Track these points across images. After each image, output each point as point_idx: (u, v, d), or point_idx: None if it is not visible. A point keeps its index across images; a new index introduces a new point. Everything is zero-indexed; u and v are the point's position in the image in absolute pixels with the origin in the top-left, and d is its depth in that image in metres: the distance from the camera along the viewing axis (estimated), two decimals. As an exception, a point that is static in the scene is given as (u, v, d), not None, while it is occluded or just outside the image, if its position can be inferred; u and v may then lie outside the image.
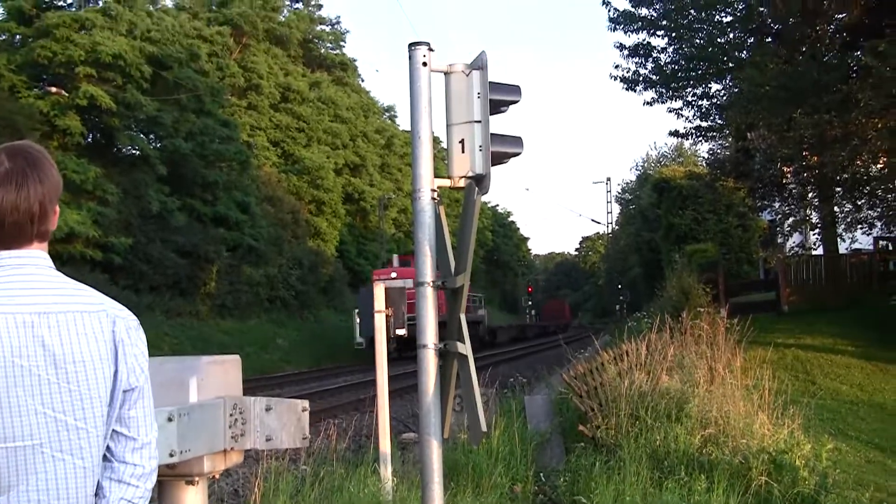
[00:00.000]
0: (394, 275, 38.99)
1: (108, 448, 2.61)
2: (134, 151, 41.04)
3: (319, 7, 67.75)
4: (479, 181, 6.21)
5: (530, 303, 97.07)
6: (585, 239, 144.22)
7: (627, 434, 10.23)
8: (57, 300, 2.53)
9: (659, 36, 27.84)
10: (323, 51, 68.44)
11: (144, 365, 2.69)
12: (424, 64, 6.28)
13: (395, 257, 44.70)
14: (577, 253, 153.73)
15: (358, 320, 37.69)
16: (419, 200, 6.15)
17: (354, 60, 72.71)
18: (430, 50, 6.34)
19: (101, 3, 41.62)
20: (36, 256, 2.60)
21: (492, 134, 6.31)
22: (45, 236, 2.64)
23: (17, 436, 2.41)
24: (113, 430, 2.62)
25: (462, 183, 6.21)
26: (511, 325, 68.16)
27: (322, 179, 56.87)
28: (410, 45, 6.33)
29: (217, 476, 4.41)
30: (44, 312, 2.49)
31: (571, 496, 9.04)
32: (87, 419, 2.51)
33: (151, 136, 42.52)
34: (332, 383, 26.30)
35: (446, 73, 6.38)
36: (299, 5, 66.41)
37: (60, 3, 41.61)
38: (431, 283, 6.10)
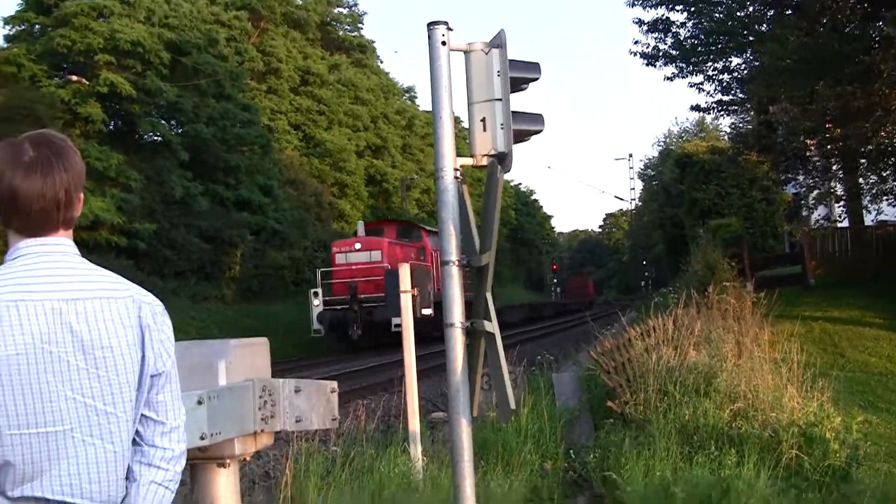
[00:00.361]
0: (357, 246, 34.24)
1: (137, 432, 2.65)
2: (155, 138, 41.34)
3: (335, -11, 67.55)
4: (502, 159, 6.20)
5: (556, 280, 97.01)
6: (609, 216, 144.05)
7: (656, 409, 10.22)
8: (84, 287, 2.57)
9: (678, 10, 27.60)
10: (341, 33, 68.31)
11: (171, 350, 2.73)
12: (444, 43, 6.26)
13: (361, 225, 37.13)
14: (600, 230, 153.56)
15: (316, 303, 33.08)
16: (442, 180, 6.15)
17: (373, 42, 72.56)
18: (449, 29, 6.32)
19: (118, -10, 41.77)
20: (62, 244, 2.63)
21: (513, 112, 6.30)
22: (70, 224, 2.66)
23: (49, 421, 2.44)
24: (142, 415, 2.66)
25: (485, 161, 6.20)
26: (523, 304, 61.99)
27: (344, 162, 56.90)
28: (429, 24, 6.32)
29: (248, 458, 4.45)
30: (71, 299, 2.52)
31: (601, 472, 9.05)
32: (115, 404, 2.55)
33: (172, 122, 42.72)
34: (360, 364, 26.34)
35: (466, 52, 6.36)
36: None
37: (78, -9, 41.85)
38: (457, 262, 6.09)
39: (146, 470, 2.65)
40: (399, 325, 9.46)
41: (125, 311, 2.60)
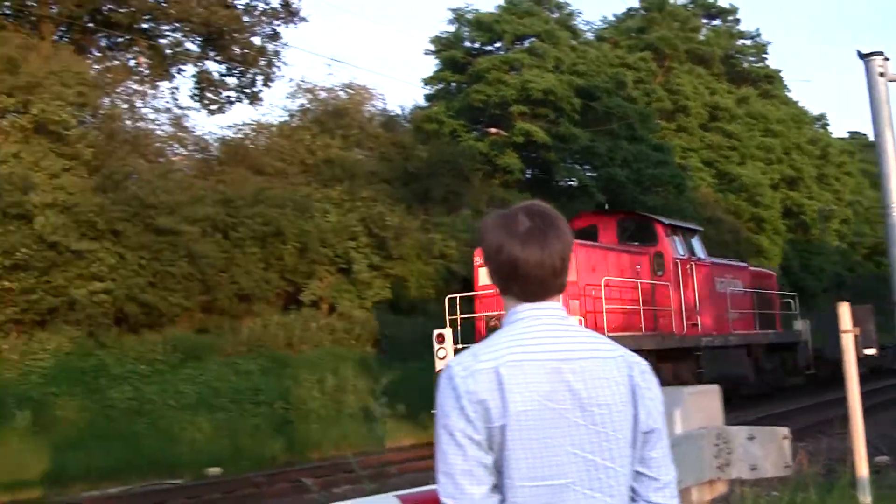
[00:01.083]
0: None
1: (632, 488, 2.75)
2: (571, 183, 42.30)
3: (737, 22, 66.27)
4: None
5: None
6: None
7: None
8: (577, 347, 2.71)
9: None
10: (746, 65, 66.81)
11: (660, 407, 2.80)
12: (881, 74, 6.06)
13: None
14: None
15: (441, 353, 18.89)
16: (890, 217, 5.92)
17: (779, 71, 70.20)
18: (885, 59, 6.11)
19: (526, 44, 43.51)
20: (554, 307, 2.79)
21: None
22: (563, 289, 2.82)
23: (553, 475, 2.59)
24: (636, 471, 2.75)
25: (935, 195, 5.91)
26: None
27: (760, 196, 55.49)
28: (864, 56, 6.14)
29: (706, 506, 4.47)
30: (567, 359, 2.66)
31: None
32: (614, 459, 2.66)
33: (587, 166, 43.50)
34: (781, 406, 25.42)
35: (906, 81, 6.12)
36: (717, 22, 65.42)
37: (490, 49, 44.17)
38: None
39: None
40: None
41: (616, 370, 2.71)
